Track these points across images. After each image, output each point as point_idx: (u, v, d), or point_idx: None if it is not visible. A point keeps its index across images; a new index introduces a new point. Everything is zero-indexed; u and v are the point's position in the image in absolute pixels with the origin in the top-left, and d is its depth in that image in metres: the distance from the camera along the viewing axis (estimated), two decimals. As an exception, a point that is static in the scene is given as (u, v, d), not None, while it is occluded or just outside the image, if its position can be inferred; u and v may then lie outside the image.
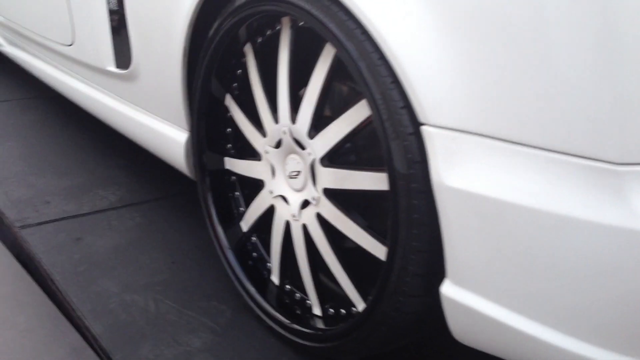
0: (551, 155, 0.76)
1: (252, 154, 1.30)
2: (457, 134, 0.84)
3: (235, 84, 1.33)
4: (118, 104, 1.73)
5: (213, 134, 1.40)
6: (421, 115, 0.87)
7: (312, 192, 1.13)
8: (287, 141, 1.17)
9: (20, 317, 1.23)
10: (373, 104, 0.93)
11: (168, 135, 1.54)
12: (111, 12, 1.60)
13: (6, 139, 2.06)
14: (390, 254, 0.96)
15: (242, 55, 1.29)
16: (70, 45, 1.85)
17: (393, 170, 0.92)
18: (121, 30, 1.58)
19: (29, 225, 1.55)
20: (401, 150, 0.90)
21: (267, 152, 1.23)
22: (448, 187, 0.85)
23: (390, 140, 0.91)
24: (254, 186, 1.32)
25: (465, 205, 0.84)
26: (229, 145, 1.40)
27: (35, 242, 1.48)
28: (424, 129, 0.87)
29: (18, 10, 2.14)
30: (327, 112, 1.14)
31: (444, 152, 0.86)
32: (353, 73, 0.96)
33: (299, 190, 1.18)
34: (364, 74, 0.94)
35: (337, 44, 0.97)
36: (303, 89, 1.13)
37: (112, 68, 1.66)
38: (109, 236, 1.54)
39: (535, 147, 0.77)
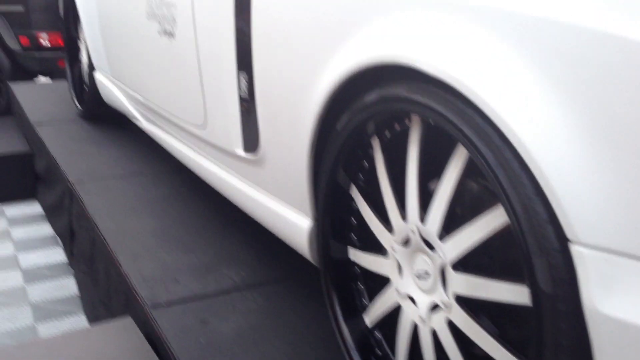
0: None
1: (377, 247, 1.27)
2: (612, 257, 0.76)
3: (361, 175, 1.32)
4: (244, 185, 1.78)
5: (338, 223, 1.39)
6: (569, 232, 0.80)
7: (442, 297, 1.08)
8: (416, 240, 1.13)
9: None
10: (513, 215, 0.87)
11: (292, 220, 1.55)
12: (242, 99, 1.66)
13: (141, 214, 2.17)
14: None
15: (370, 147, 1.27)
16: (201, 126, 1.93)
17: (536, 288, 0.85)
18: (250, 116, 1.63)
19: (160, 306, 1.60)
20: (546, 267, 0.83)
21: (393, 249, 1.20)
22: (603, 315, 0.76)
23: (533, 255, 0.85)
24: (379, 280, 1.28)
25: (624, 337, 0.75)
26: (354, 236, 1.38)
27: (165, 323, 1.52)
28: (572, 247, 0.80)
29: (155, 90, 2.28)
30: (460, 211, 1.09)
31: (597, 275, 0.78)
32: (490, 180, 0.91)
33: (427, 292, 1.12)
34: (503, 182, 0.88)
35: (472, 149, 0.93)
36: (433, 183, 1.09)
37: (241, 152, 1.71)
38: (233, 320, 1.56)
39: None
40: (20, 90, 4.05)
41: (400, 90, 1.07)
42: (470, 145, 0.93)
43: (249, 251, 1.92)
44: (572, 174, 0.80)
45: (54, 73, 5.44)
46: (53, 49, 5.10)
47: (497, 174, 0.89)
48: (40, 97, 3.90)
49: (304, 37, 1.33)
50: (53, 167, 2.78)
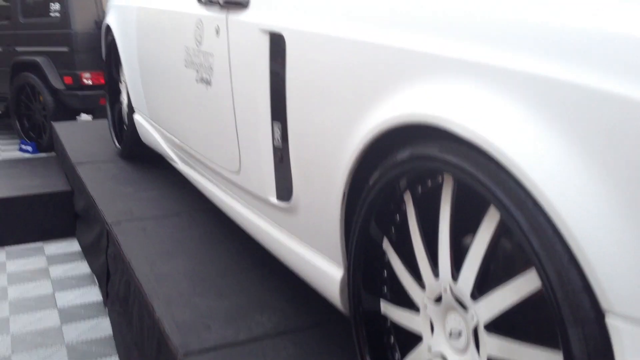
0: None
1: (409, 302, 1.26)
2: (649, 330, 0.74)
3: (393, 229, 1.32)
4: (276, 232, 1.79)
5: (369, 275, 1.38)
6: (604, 302, 0.79)
7: (475, 358, 1.06)
8: (448, 298, 1.12)
9: None
10: (547, 282, 0.86)
11: (324, 269, 1.55)
12: (275, 148, 1.68)
13: (175, 256, 2.20)
14: None
15: (402, 201, 1.27)
16: (235, 172, 1.96)
17: (571, 357, 0.83)
18: (284, 165, 1.65)
19: (191, 353, 1.61)
20: (581, 338, 0.82)
21: (425, 306, 1.19)
22: (640, 390, 0.74)
23: (567, 324, 0.83)
24: (412, 335, 1.27)
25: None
26: (386, 289, 1.37)
27: (196, 372, 1.52)
28: (608, 318, 0.79)
29: (191, 134, 2.33)
30: (494, 270, 1.08)
31: (633, 348, 0.76)
32: (523, 245, 0.90)
33: (460, 352, 1.11)
34: (536, 248, 0.87)
35: (505, 212, 0.92)
36: (467, 238, 1.09)
37: (274, 199, 1.73)
38: (264, 369, 1.55)
39: None
40: (63, 129, 4.17)
41: (432, 150, 1.08)
42: (502, 208, 0.93)
43: (281, 297, 1.93)
44: (607, 242, 0.79)
45: (95, 110, 5.61)
46: (95, 87, 5.26)
47: (530, 239, 0.88)
48: (82, 136, 4.01)
49: (337, 92, 1.35)
50: (91, 207, 2.84)
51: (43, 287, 2.68)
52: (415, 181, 1.22)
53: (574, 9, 0.88)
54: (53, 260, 3.00)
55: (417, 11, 1.14)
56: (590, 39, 0.83)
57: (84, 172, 3.17)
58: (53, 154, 4.23)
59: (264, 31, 1.65)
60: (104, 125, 4.24)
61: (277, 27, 1.58)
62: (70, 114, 5.54)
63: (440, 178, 1.16)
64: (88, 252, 2.93)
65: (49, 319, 2.44)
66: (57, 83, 5.29)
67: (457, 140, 1.03)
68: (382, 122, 1.18)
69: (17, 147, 5.67)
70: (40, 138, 5.59)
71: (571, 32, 0.86)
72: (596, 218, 0.80)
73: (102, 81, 4.54)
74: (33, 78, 5.42)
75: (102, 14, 5.24)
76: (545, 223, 0.86)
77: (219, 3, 1.90)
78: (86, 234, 2.99)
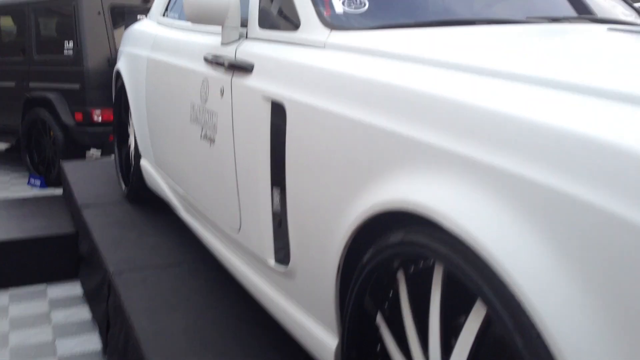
0: None
1: (401, 379, 1.27)
2: None
3: (387, 305, 1.33)
4: (274, 293, 1.81)
5: (363, 348, 1.39)
6: (585, 410, 0.80)
7: None
8: (438, 383, 1.13)
9: None
10: (531, 383, 0.87)
11: (319, 336, 1.56)
12: (274, 213, 1.71)
13: (176, 309, 2.21)
14: None
15: (395, 279, 1.29)
16: (236, 230, 1.99)
17: None
18: (282, 231, 1.67)
19: (185, 417, 1.61)
20: None
21: (416, 387, 1.20)
22: None
23: None
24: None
25: None
26: (379, 363, 1.38)
27: None
28: None
29: (194, 187, 2.36)
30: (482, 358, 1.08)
31: None
32: (508, 341, 0.91)
33: None
34: (520, 347, 0.89)
35: (491, 308, 0.94)
36: (459, 320, 1.10)
37: (272, 262, 1.75)
38: None
39: None
40: (71, 168, 4.22)
41: (423, 238, 1.10)
42: (488, 303, 0.94)
43: (277, 356, 1.93)
44: (587, 348, 0.81)
45: (104, 146, 5.69)
46: (105, 124, 5.34)
47: (514, 338, 0.90)
48: (89, 176, 4.06)
49: (334, 167, 1.38)
50: (95, 253, 2.87)
51: (44, 334, 2.69)
52: (408, 262, 1.23)
53: (561, 116, 0.91)
54: (55, 304, 3.01)
55: (416, 100, 1.17)
56: (572, 146, 0.86)
57: (89, 216, 3.21)
58: (61, 189, 4.27)
59: (266, 98, 1.69)
60: (112, 165, 4.29)
61: (278, 96, 1.62)
62: (80, 149, 5.62)
63: (432, 261, 1.17)
64: (90, 298, 2.95)
65: (48, 367, 2.45)
66: (67, 119, 5.38)
67: (448, 232, 1.05)
68: (375, 204, 1.20)
69: (25, 180, 5.73)
70: (49, 172, 5.66)
71: (554, 138, 0.89)
72: (578, 323, 0.82)
73: (112, 118, 4.61)
74: (44, 114, 5.51)
75: (114, 52, 5.35)
76: (529, 324, 0.88)
77: (224, 65, 1.94)
78: (89, 279, 3.01)
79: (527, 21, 1.72)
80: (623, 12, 2.05)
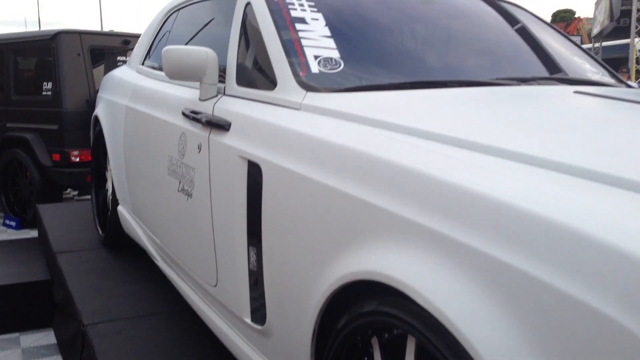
0: None
1: None
2: None
3: (362, 370, 1.34)
4: (250, 349, 1.79)
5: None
6: None
7: None
8: None
9: None
10: None
11: (295, 398, 1.55)
12: (251, 272, 1.71)
13: (149, 364, 2.18)
14: None
15: (370, 345, 1.30)
16: (213, 285, 1.98)
17: None
18: (259, 289, 1.68)
19: None
20: None
21: None
22: None
23: None
24: None
25: None
26: None
27: None
28: None
29: (172, 239, 2.36)
30: None
31: None
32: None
33: None
34: None
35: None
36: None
37: (248, 320, 1.74)
38: None
39: None
40: (47, 212, 4.18)
41: (395, 309, 1.11)
42: (459, 379, 0.96)
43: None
44: None
45: (82, 187, 5.64)
46: (83, 164, 5.31)
47: (485, 417, 0.91)
48: (65, 220, 4.02)
49: (309, 231, 1.39)
50: (69, 302, 2.82)
51: (15, 387, 2.63)
52: (382, 330, 1.24)
53: (526, 199, 0.94)
54: (28, 354, 2.96)
55: (387, 170, 1.20)
56: (534, 229, 0.89)
57: (64, 262, 3.17)
58: (37, 230, 4.21)
59: (243, 158, 1.70)
60: (88, 208, 4.26)
61: (254, 157, 1.64)
62: (57, 190, 5.58)
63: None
64: (64, 349, 2.90)
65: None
66: (45, 160, 5.34)
67: (419, 305, 1.06)
68: (348, 273, 1.22)
69: (0, 221, 5.65)
70: (25, 213, 5.59)
71: (520, 220, 0.91)
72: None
73: (90, 159, 4.58)
74: (21, 154, 5.47)
75: (93, 93, 5.35)
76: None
77: (201, 122, 1.96)
78: (63, 329, 2.96)
79: (497, 83, 1.77)
80: (591, 70, 2.12)
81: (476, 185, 1.02)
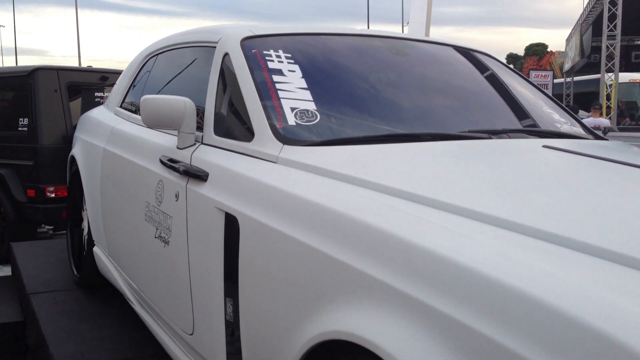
0: None
1: None
2: None
3: None
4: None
5: None
6: None
7: None
8: None
9: None
10: None
11: None
12: (227, 323, 1.72)
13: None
14: None
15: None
16: (189, 334, 1.98)
17: None
18: (235, 340, 1.68)
19: None
20: None
21: None
22: None
23: None
24: None
25: None
26: None
27: None
28: None
29: (148, 284, 2.35)
30: None
31: None
32: None
33: None
34: None
35: None
36: None
37: (225, 372, 1.74)
38: None
39: None
40: (20, 251, 4.13)
41: (370, 371, 1.13)
42: None
43: None
44: None
45: (57, 223, 5.58)
46: (58, 200, 5.26)
47: None
48: (39, 259, 3.97)
49: (285, 286, 1.41)
50: (42, 345, 2.78)
51: None
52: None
53: (494, 265, 0.98)
54: (-2, 400, 2.90)
55: (361, 231, 1.23)
56: (498, 296, 0.92)
57: (38, 305, 3.13)
58: (9, 266, 4.15)
59: (219, 210, 1.72)
60: (63, 246, 4.21)
61: (231, 210, 1.66)
62: (32, 226, 5.51)
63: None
64: (35, 396, 2.85)
65: None
66: (19, 196, 5.29)
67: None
68: (322, 333, 1.23)
69: (-28, 258, 5.55)
70: (-2, 250, 5.51)
71: (486, 287, 0.95)
72: None
73: (66, 194, 4.54)
74: (-5, 190, 5.41)
75: (70, 129, 5.33)
76: None
77: (179, 171, 1.98)
78: (35, 374, 2.91)
79: (470, 136, 1.82)
80: (560, 121, 2.19)
81: (447, 251, 1.05)
